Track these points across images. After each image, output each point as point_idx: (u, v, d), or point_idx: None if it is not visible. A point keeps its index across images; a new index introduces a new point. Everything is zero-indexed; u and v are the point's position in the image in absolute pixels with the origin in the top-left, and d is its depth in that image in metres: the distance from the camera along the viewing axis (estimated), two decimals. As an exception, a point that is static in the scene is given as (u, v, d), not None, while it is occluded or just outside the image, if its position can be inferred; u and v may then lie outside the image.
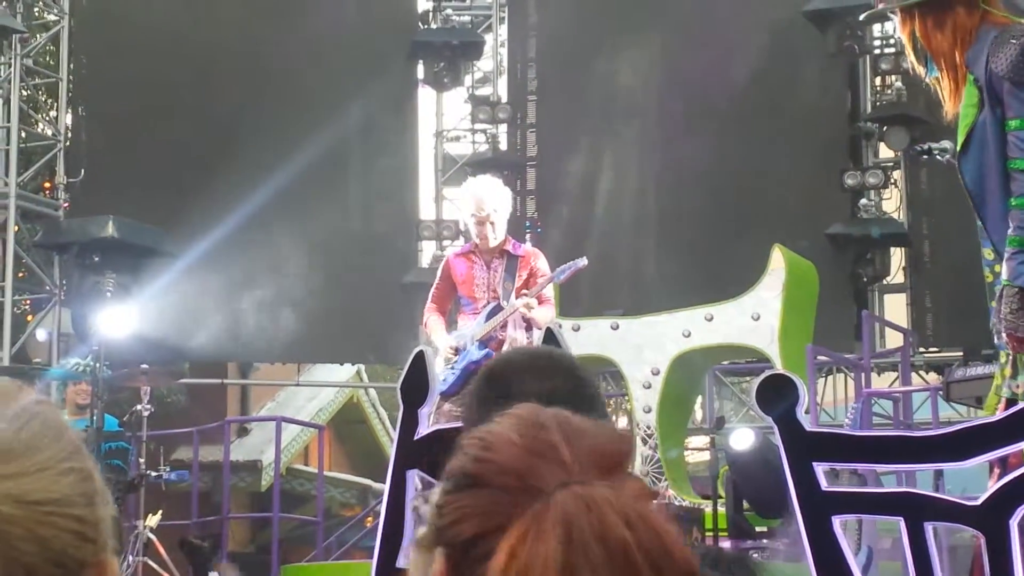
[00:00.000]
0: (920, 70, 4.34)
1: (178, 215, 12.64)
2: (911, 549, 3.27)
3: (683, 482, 9.78)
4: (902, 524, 3.26)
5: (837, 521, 3.40)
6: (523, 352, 2.36)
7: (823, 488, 3.36)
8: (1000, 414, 3.39)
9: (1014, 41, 4.08)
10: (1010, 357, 4.17)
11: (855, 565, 3.32)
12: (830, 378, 13.21)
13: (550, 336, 3.65)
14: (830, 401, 12.83)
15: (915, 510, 3.26)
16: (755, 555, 7.40)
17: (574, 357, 2.32)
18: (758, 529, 8.44)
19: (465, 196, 7.38)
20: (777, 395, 3.51)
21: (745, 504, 8.42)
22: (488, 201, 7.12)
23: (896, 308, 13.37)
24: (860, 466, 5.08)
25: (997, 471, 3.74)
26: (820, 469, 3.40)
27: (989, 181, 4.19)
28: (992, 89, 4.13)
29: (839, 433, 3.87)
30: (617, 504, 1.27)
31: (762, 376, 3.50)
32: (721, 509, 8.18)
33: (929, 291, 13.06)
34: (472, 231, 7.29)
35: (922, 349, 13.01)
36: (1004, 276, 4.08)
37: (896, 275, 13.36)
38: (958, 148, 4.27)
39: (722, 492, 8.28)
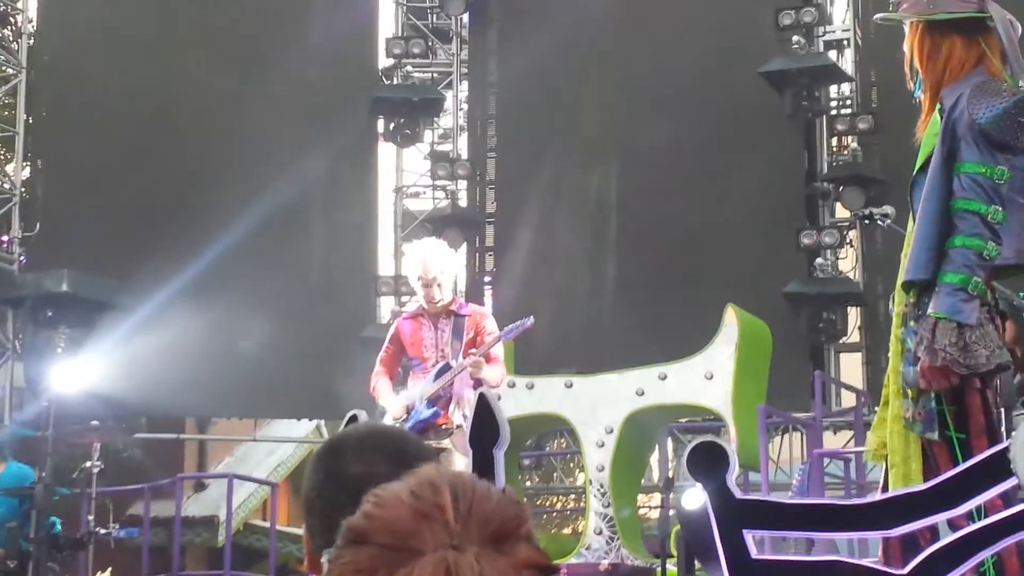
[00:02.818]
0: (911, 84, 4.38)
1: (136, 269, 12.61)
2: (838, 617, 3.30)
3: (636, 540, 9.78)
4: (828, 593, 3.29)
5: (765, 589, 3.42)
6: (361, 430, 2.31)
7: (752, 556, 3.38)
8: (925, 484, 3.41)
9: (1005, 95, 4.09)
10: (901, 388, 4.20)
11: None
12: (786, 436, 13.23)
13: (483, 402, 3.67)
14: (786, 459, 12.85)
15: (841, 579, 3.28)
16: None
17: (410, 438, 2.28)
18: (709, 589, 8.43)
19: (411, 260, 7.51)
20: (708, 463, 3.54)
21: (696, 564, 8.42)
22: (433, 264, 7.23)
23: (853, 367, 13.42)
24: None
25: (883, 545, 3.75)
26: (750, 536, 3.42)
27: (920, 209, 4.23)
28: (953, 128, 4.15)
29: (769, 501, 3.90)
30: (483, 574, 1.26)
31: (692, 444, 3.53)
32: (672, 568, 8.18)
33: (884, 351, 13.10)
34: (419, 293, 7.42)
35: (877, 409, 13.04)
36: (936, 309, 4.10)
37: (852, 334, 13.43)
38: (914, 172, 4.30)
39: (674, 551, 8.28)
